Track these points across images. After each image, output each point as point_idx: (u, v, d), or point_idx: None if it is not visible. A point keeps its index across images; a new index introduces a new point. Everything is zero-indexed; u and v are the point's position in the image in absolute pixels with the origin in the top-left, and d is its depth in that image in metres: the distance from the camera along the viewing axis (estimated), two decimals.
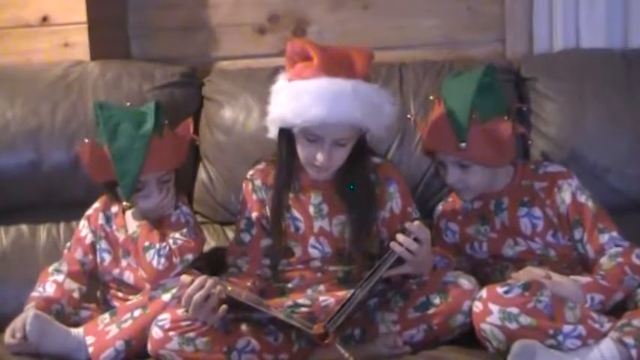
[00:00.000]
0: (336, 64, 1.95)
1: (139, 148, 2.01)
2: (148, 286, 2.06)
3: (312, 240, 2.09)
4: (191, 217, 2.17)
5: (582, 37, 2.52)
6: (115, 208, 2.20)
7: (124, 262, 2.15)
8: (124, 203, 2.08)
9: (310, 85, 1.94)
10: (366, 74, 1.99)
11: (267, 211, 2.11)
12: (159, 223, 2.11)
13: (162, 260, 2.03)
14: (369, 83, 1.98)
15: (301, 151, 2.02)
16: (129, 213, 2.13)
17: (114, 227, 2.18)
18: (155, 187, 2.08)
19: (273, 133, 2.06)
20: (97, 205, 2.23)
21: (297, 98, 1.95)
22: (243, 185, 2.16)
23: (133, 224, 2.11)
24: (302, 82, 1.96)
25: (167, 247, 2.05)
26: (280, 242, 2.09)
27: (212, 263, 2.20)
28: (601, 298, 1.92)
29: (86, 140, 2.10)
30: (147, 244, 2.05)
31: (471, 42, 2.64)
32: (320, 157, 1.98)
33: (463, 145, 2.00)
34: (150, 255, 2.04)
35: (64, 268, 2.17)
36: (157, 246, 2.04)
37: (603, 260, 2.01)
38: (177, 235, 2.08)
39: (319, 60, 1.94)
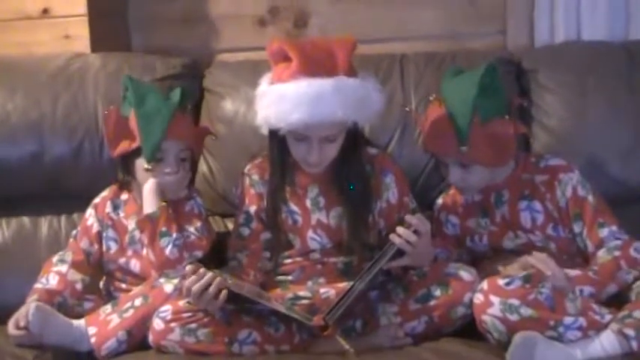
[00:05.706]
0: (315, 63, 1.93)
1: (165, 114, 2.08)
2: (153, 274, 2.07)
3: (310, 232, 2.09)
4: (204, 209, 2.19)
5: (583, 29, 2.52)
6: (125, 196, 2.20)
7: (130, 251, 2.16)
8: (145, 166, 2.08)
9: (290, 89, 1.93)
10: (348, 68, 1.96)
11: (265, 204, 2.11)
12: (174, 211, 2.10)
13: (175, 251, 2.04)
14: (351, 77, 1.96)
15: (292, 150, 2.03)
16: (146, 190, 2.10)
17: (121, 215, 2.19)
18: (173, 161, 2.10)
19: (265, 131, 2.06)
20: (105, 193, 2.23)
21: (278, 103, 1.94)
22: (241, 180, 2.17)
23: (151, 204, 2.08)
24: (282, 85, 1.95)
25: (182, 240, 2.06)
26: (279, 235, 2.10)
27: (213, 251, 2.20)
28: (591, 290, 1.92)
29: (112, 107, 2.14)
30: (164, 229, 2.05)
31: (472, 34, 2.64)
32: (310, 155, 1.99)
33: (464, 148, 1.99)
34: (165, 241, 2.04)
35: (69, 257, 2.17)
36: (174, 235, 2.05)
37: (600, 253, 2.01)
38: (192, 229, 2.09)
39: (297, 62, 1.93)
